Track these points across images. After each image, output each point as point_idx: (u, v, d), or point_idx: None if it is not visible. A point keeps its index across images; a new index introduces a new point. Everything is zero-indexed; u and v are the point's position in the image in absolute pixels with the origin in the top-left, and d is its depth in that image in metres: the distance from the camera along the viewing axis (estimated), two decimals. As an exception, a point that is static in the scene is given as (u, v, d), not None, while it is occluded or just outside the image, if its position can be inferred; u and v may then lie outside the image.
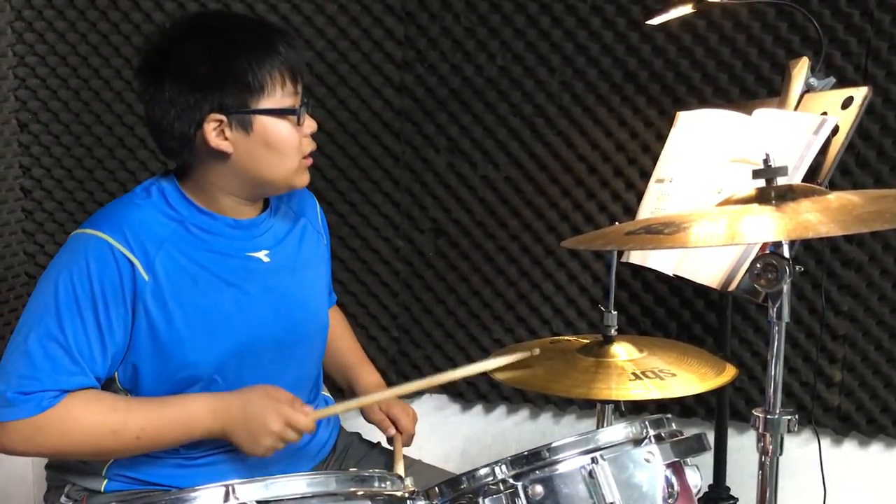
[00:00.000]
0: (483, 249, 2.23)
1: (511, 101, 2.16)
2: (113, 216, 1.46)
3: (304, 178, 1.53)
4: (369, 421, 1.78)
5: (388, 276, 2.29)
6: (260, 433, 1.43)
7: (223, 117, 1.42)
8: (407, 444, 1.75)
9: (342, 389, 1.95)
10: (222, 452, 1.51)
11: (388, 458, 1.75)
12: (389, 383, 2.28)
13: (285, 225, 1.62)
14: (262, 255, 1.55)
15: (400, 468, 1.59)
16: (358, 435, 1.82)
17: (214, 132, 1.43)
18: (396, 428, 1.74)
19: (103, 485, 1.50)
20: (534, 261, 2.22)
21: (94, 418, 1.40)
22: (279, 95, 1.45)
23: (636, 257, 1.86)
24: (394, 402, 1.77)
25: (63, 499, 1.52)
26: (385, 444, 1.80)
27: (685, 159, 1.84)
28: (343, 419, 1.83)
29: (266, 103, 1.44)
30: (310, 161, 1.54)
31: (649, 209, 1.89)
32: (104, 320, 1.40)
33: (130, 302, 1.41)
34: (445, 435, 2.35)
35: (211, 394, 1.47)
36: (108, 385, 1.47)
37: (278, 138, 1.46)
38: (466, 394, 2.33)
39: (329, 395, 1.81)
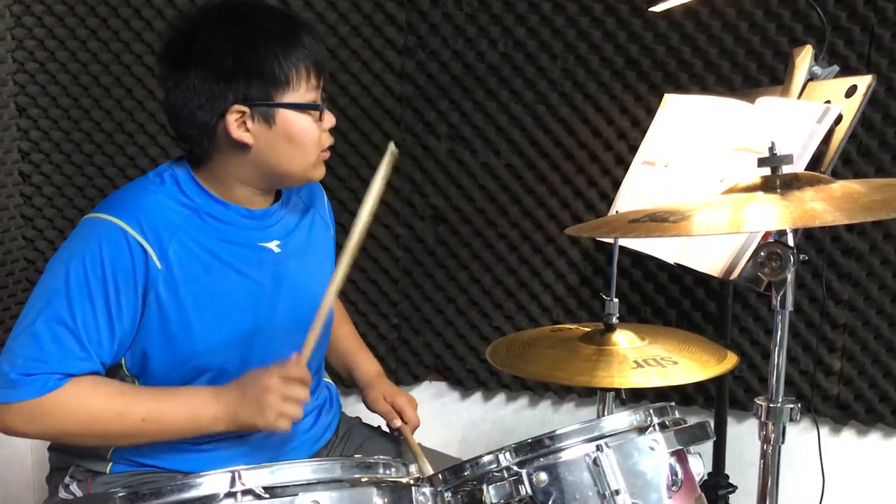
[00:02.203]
0: (483, 237, 2.23)
1: (512, 87, 2.15)
2: (127, 201, 1.45)
3: (320, 171, 1.53)
4: (374, 411, 1.78)
5: (388, 263, 2.28)
6: (260, 395, 1.41)
7: (246, 109, 1.42)
8: (412, 431, 1.75)
9: (339, 376, 1.95)
10: (227, 438, 1.50)
11: (389, 442, 1.76)
12: (388, 370, 2.29)
13: (296, 216, 1.62)
14: (273, 245, 1.55)
15: (425, 464, 1.58)
16: (359, 419, 1.83)
17: (236, 123, 1.42)
18: (402, 419, 1.74)
19: (108, 467, 1.50)
20: (534, 248, 2.22)
21: (100, 400, 1.40)
22: (303, 90, 1.45)
23: (636, 242, 1.85)
24: (398, 392, 1.77)
25: (67, 479, 1.52)
26: (385, 428, 1.81)
27: (685, 146, 1.84)
28: (344, 405, 1.83)
29: (290, 97, 1.44)
30: (327, 154, 1.53)
31: (638, 192, 1.88)
32: (114, 306, 1.39)
33: (142, 289, 1.41)
34: (445, 422, 2.35)
35: (214, 385, 1.47)
36: (114, 371, 1.47)
37: (300, 132, 1.46)
38: (466, 381, 2.33)
39: (330, 381, 1.81)
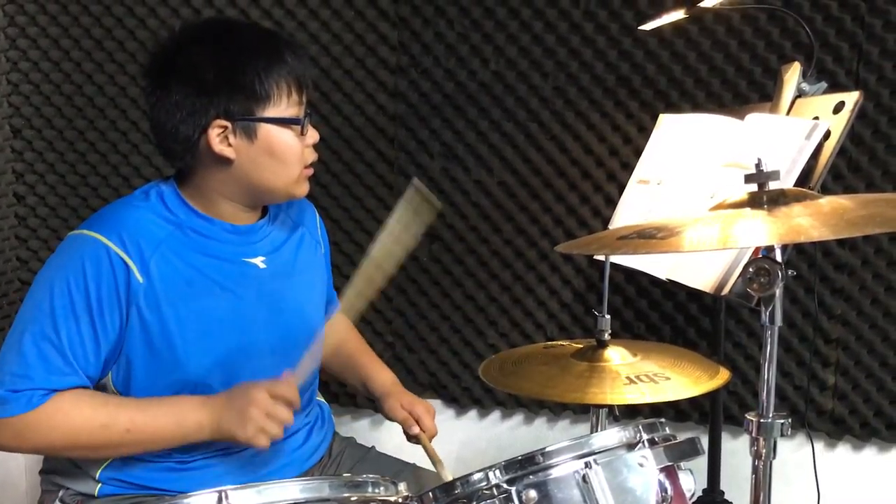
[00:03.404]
0: (477, 254, 2.23)
1: (505, 105, 2.16)
2: (110, 218, 1.47)
3: (303, 188, 1.54)
4: (391, 420, 1.76)
5: (382, 281, 2.28)
6: (245, 407, 1.40)
7: (228, 123, 1.43)
8: (430, 439, 1.73)
9: (348, 389, 1.94)
10: (215, 456, 1.51)
11: (383, 462, 1.75)
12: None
13: (283, 233, 1.62)
14: (258, 261, 1.55)
15: (444, 470, 1.57)
16: (352, 439, 1.82)
17: (218, 138, 1.44)
18: (420, 426, 1.72)
19: (97, 489, 1.50)
20: (528, 265, 2.22)
21: (84, 412, 1.41)
22: (284, 105, 1.46)
23: (628, 259, 1.86)
24: (416, 400, 1.76)
25: (57, 503, 1.52)
26: (379, 448, 1.81)
27: (676, 163, 1.85)
28: (338, 425, 1.83)
29: (271, 112, 1.45)
30: (310, 171, 1.54)
31: (633, 210, 1.89)
32: (98, 322, 1.40)
33: (125, 304, 1.42)
34: (440, 440, 2.31)
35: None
36: (101, 387, 1.47)
37: (281, 147, 1.47)
38: (461, 399, 2.32)
39: (323, 399, 1.81)
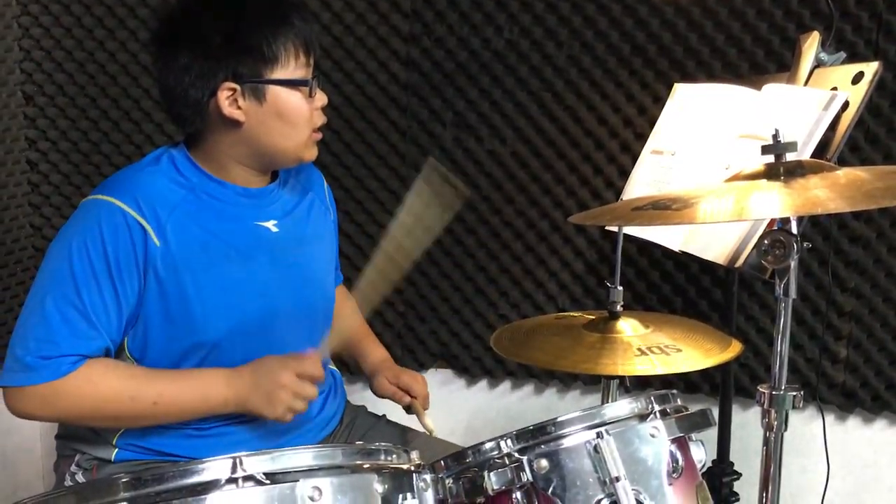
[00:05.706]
0: (489, 224, 2.23)
1: (518, 75, 2.14)
2: (124, 183, 1.48)
3: (312, 152, 1.55)
4: (382, 396, 1.78)
5: (393, 251, 2.28)
6: (273, 389, 1.43)
7: (237, 86, 1.44)
8: (425, 407, 1.76)
9: (348, 364, 1.95)
10: (232, 423, 1.52)
11: (394, 430, 1.76)
12: (394, 358, 2.28)
13: (294, 197, 1.63)
14: (270, 224, 1.56)
15: (430, 424, 1.64)
16: (364, 408, 1.83)
17: (228, 101, 1.44)
18: (410, 395, 1.74)
19: (113, 454, 1.51)
20: (540, 236, 2.22)
21: (112, 383, 1.43)
22: (292, 67, 1.46)
23: (641, 230, 1.85)
24: (402, 372, 1.78)
25: (73, 468, 1.54)
26: (391, 417, 1.81)
27: (691, 134, 1.83)
28: (350, 393, 1.84)
29: (279, 74, 1.46)
30: (319, 135, 1.55)
31: (646, 181, 1.88)
32: (119, 285, 1.41)
33: (142, 267, 1.43)
34: (450, 409, 2.35)
35: (226, 368, 1.49)
36: (117, 353, 1.48)
37: (290, 109, 1.47)
38: (472, 369, 2.33)
39: (335, 368, 1.81)
